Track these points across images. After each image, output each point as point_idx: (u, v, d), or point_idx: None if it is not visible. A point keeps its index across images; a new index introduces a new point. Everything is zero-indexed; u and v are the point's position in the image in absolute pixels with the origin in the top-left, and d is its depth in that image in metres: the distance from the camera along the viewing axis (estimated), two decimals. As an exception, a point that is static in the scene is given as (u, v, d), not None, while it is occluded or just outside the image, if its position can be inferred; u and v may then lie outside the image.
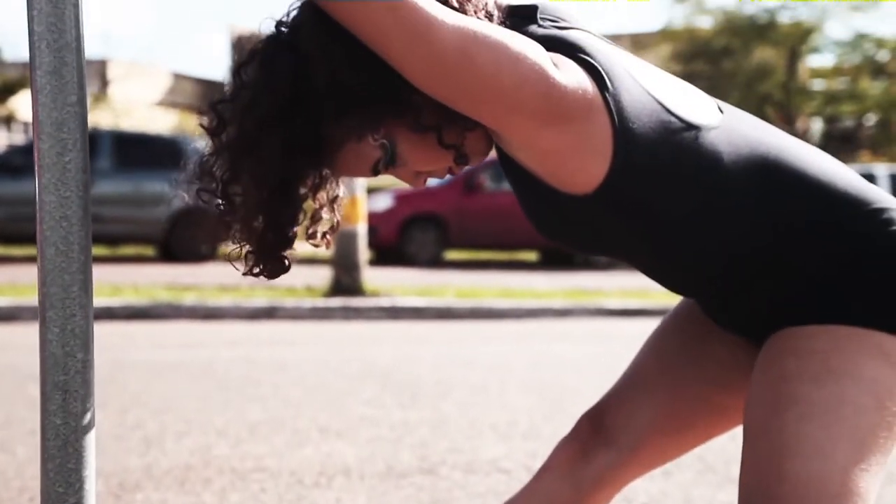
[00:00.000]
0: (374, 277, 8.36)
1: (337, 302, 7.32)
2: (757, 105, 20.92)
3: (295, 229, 1.28)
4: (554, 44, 1.18)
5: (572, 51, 1.17)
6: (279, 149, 1.19)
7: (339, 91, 1.17)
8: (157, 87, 29.54)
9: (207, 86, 29.44)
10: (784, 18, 20.77)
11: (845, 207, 1.19)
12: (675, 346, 1.45)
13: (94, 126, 15.02)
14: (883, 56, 20.95)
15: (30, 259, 11.15)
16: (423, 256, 12.27)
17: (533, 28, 1.23)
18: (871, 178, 13.97)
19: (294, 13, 1.22)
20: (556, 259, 13.24)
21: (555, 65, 1.14)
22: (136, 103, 24.66)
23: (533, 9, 1.26)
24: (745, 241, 1.21)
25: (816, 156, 1.24)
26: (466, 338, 6.34)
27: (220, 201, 1.24)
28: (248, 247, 1.27)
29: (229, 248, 1.28)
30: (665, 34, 22.27)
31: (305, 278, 7.68)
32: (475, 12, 1.20)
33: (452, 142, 1.21)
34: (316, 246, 1.35)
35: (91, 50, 28.37)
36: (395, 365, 5.01)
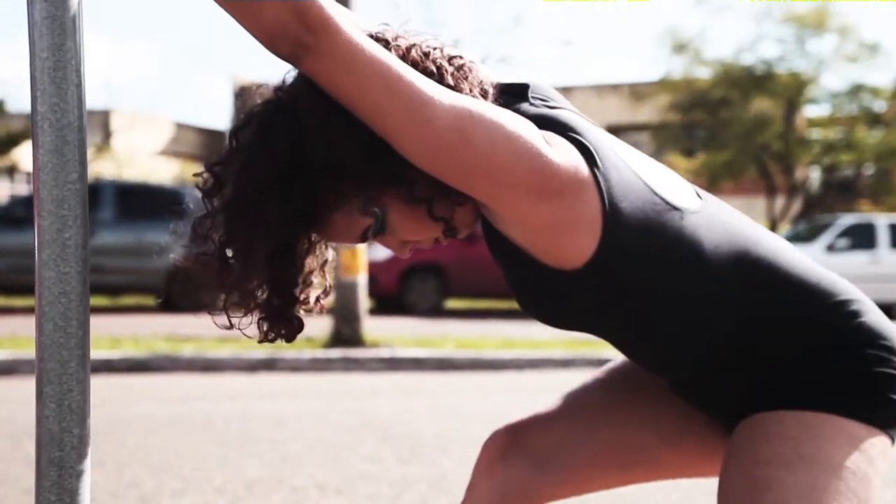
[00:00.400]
0: (375, 327, 8.35)
1: (337, 353, 7.31)
2: (755, 155, 21.05)
3: (298, 290, 1.30)
4: (545, 122, 1.21)
5: (563, 130, 1.20)
6: (276, 214, 1.20)
7: (337, 163, 1.19)
8: (160, 137, 29.74)
9: (209, 135, 29.67)
10: (781, 69, 20.96)
11: (813, 299, 1.24)
12: (626, 389, 1.48)
13: (97, 176, 15.09)
14: (879, 106, 21.11)
15: (30, 310, 11.15)
16: (423, 305, 12.27)
17: (525, 106, 1.26)
18: (870, 228, 14.00)
19: (291, 80, 1.23)
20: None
21: (547, 143, 1.17)
22: (138, 153, 24.81)
23: (524, 87, 1.29)
24: (720, 326, 1.24)
25: (787, 248, 1.30)
26: (466, 389, 6.32)
27: (217, 264, 1.25)
28: (257, 314, 1.28)
29: (232, 313, 1.29)
30: (664, 84, 22.46)
31: (305, 328, 7.64)
32: (470, 90, 1.22)
33: (443, 214, 1.23)
34: (309, 311, 1.35)
35: (94, 100, 28.63)
36: (394, 418, 4.98)
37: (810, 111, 22.65)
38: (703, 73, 21.79)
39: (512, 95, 1.28)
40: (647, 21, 47.33)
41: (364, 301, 7.96)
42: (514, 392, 6.24)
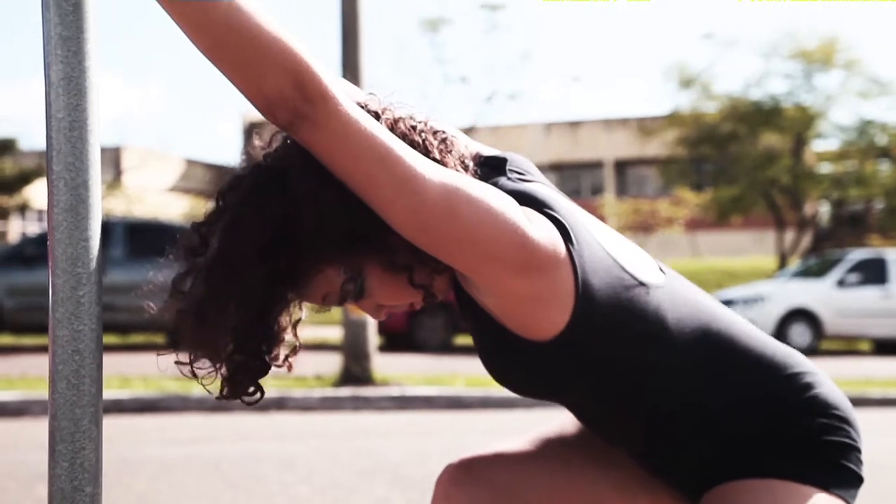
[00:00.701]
0: (384, 365, 8.33)
1: (346, 392, 7.28)
2: (764, 189, 21.05)
3: (269, 348, 1.31)
4: (523, 198, 1.25)
5: (540, 206, 1.25)
6: (257, 278, 1.22)
7: (324, 232, 1.21)
8: (170, 173, 29.92)
9: (219, 171, 29.85)
10: (788, 104, 21.00)
11: (770, 372, 1.30)
12: (584, 435, 1.51)
13: (107, 214, 15.16)
14: (888, 141, 21.09)
15: (41, 349, 11.16)
16: (432, 342, 12.25)
17: (503, 180, 1.30)
18: (881, 262, 13.95)
19: (281, 145, 1.25)
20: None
21: (528, 219, 1.21)
22: (149, 189, 24.96)
23: (502, 161, 1.34)
24: (681, 398, 1.29)
25: (743, 323, 1.35)
26: (477, 429, 6.28)
27: (193, 321, 1.25)
28: (223, 371, 1.28)
29: (201, 369, 1.29)
30: (672, 119, 22.54)
31: (315, 366, 7.65)
32: (454, 165, 1.27)
33: (422, 282, 1.27)
34: (279, 367, 1.35)
35: (105, 137, 28.83)
36: (404, 459, 4.95)
37: (819, 145, 22.67)
38: (711, 108, 21.86)
39: (490, 168, 1.32)
40: (655, 55, 47.64)
41: (373, 338, 7.94)
42: (523, 430, 6.19)
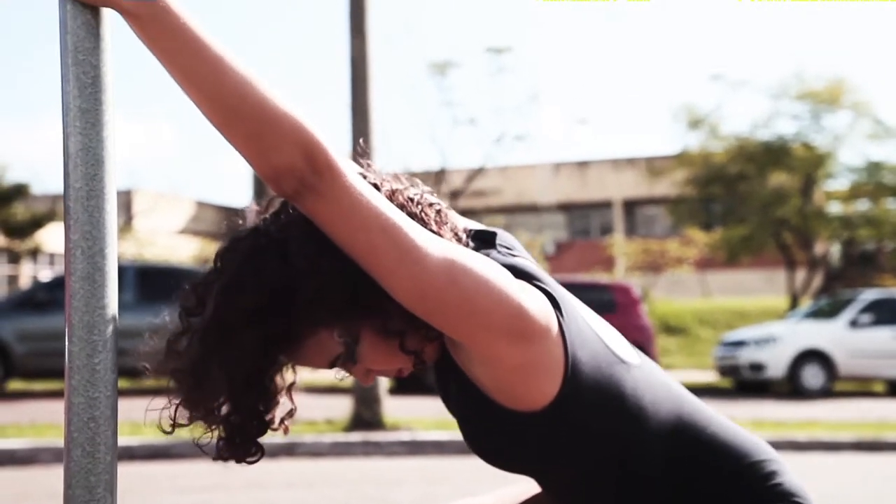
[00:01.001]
0: (395, 408, 8.30)
1: (357, 437, 7.25)
2: (774, 229, 21.03)
3: (268, 416, 1.33)
4: (515, 271, 1.28)
5: (530, 279, 1.28)
6: (253, 341, 1.23)
7: (322, 299, 1.23)
8: (181, 216, 30.07)
9: (229, 213, 30.01)
10: (797, 144, 21.03)
11: (735, 459, 1.32)
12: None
13: (119, 257, 15.20)
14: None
15: (51, 394, 11.15)
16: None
17: (494, 253, 1.33)
18: (893, 303, 13.88)
19: (279, 211, 1.27)
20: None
21: (522, 289, 1.23)
22: (159, 232, 25.08)
23: (492, 235, 1.38)
24: (651, 480, 1.30)
25: (709, 409, 1.38)
26: (489, 475, 6.23)
27: (188, 382, 1.26)
28: (221, 433, 1.30)
29: (197, 430, 1.31)
30: (680, 159, 22.59)
31: (325, 410, 7.61)
32: (449, 236, 1.30)
33: (414, 348, 1.28)
34: (274, 430, 1.36)
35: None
36: (416, 508, 4.92)
37: (829, 185, 22.65)
38: (720, 148, 21.91)
39: (481, 241, 1.36)
40: (663, 95, 47.92)
41: (384, 381, 7.92)
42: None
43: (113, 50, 1.18)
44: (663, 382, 1.37)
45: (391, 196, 1.27)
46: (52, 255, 23.97)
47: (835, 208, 22.70)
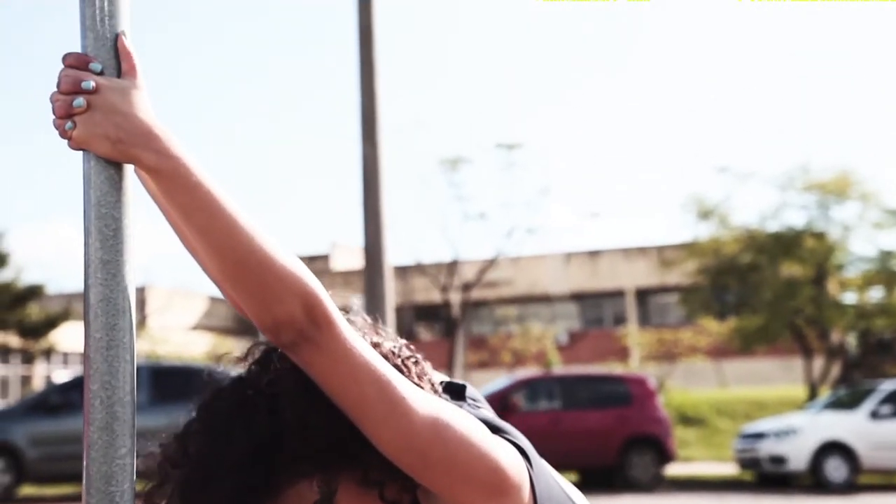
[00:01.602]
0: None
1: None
2: (788, 319, 20.88)
3: None
4: (487, 424, 1.30)
5: (500, 433, 1.30)
6: (233, 491, 1.23)
7: (308, 451, 1.24)
8: (194, 312, 30.15)
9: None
10: (806, 234, 21.02)
11: None
12: None
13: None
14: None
15: (63, 499, 11.01)
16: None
17: (466, 407, 1.35)
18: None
19: (262, 356, 1.29)
20: (594, 480, 12.88)
21: (498, 444, 1.25)
22: (172, 329, 25.12)
23: (462, 388, 1.41)
24: None
25: None
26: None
27: None
28: None
29: None
30: (691, 249, 22.63)
31: None
32: (429, 389, 1.32)
33: (392, 498, 1.28)
34: None
35: (132, 279, 29.26)
36: None
37: (840, 274, 22.58)
38: (730, 238, 21.95)
39: (453, 393, 1.39)
40: (672, 186, 48.28)
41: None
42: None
43: (135, 203, 1.21)
44: None
45: (374, 348, 1.29)
46: (66, 355, 23.99)
47: (849, 298, 22.58)
